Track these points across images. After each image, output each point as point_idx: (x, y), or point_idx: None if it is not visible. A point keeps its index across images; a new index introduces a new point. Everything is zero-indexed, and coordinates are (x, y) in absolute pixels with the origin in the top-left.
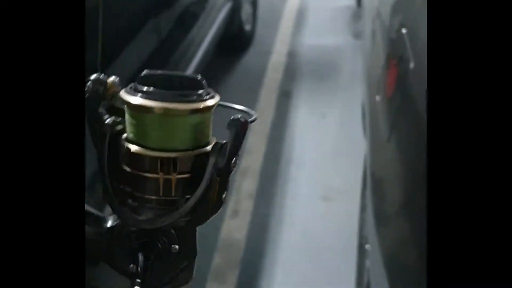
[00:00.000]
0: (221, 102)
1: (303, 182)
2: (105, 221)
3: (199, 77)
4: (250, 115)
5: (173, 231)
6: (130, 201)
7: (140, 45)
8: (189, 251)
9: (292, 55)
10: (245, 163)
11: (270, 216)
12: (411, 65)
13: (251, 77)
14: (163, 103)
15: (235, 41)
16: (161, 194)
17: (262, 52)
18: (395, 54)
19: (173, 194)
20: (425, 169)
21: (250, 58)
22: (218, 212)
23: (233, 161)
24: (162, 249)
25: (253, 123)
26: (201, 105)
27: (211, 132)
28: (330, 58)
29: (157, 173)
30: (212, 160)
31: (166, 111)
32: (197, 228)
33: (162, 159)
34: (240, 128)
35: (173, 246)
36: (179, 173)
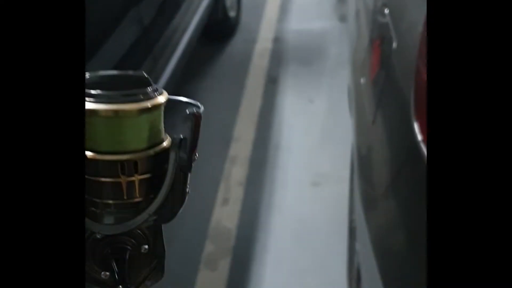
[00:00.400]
0: (168, 96)
1: (292, 168)
2: None
3: (144, 74)
4: (198, 107)
5: (140, 232)
6: (91, 208)
7: (123, 35)
8: (158, 249)
9: (278, 41)
10: (234, 151)
11: (260, 203)
12: (394, 45)
13: (237, 64)
14: (109, 106)
15: (220, 28)
16: (125, 197)
17: (247, 38)
18: (378, 35)
19: (137, 196)
20: (410, 151)
21: (235, 45)
22: (184, 205)
23: (194, 155)
24: (132, 251)
25: (241, 110)
26: (149, 103)
27: (163, 128)
28: (317, 42)
29: (118, 177)
30: (173, 156)
31: (114, 113)
32: (188, 217)
33: (122, 162)
34: (195, 121)
35: (142, 246)
36: (141, 174)
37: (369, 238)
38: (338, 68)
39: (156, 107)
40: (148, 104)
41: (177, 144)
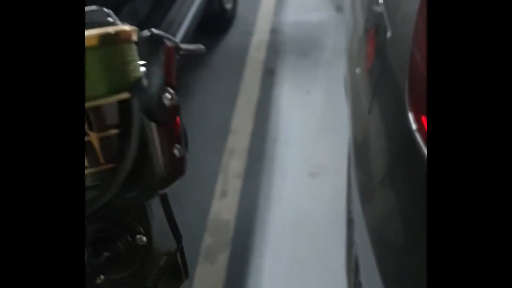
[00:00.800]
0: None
1: (290, 160)
2: None
3: (105, 9)
4: (171, 40)
5: (128, 216)
6: None
7: None
8: (164, 240)
9: (274, 33)
10: (232, 143)
11: (259, 195)
12: (389, 34)
13: (234, 57)
14: None
15: (216, 21)
16: (86, 164)
17: (244, 30)
18: (373, 25)
19: (102, 161)
20: (405, 140)
21: (232, 37)
22: (182, 176)
23: (168, 97)
24: (123, 244)
25: (238, 102)
26: (112, 29)
27: (137, 70)
28: (314, 34)
29: None
30: (135, 101)
31: None
32: (186, 209)
33: None
34: (166, 55)
35: (138, 237)
36: (102, 130)
37: (366, 228)
38: (335, 59)
39: (121, 37)
40: (109, 30)
41: (139, 84)
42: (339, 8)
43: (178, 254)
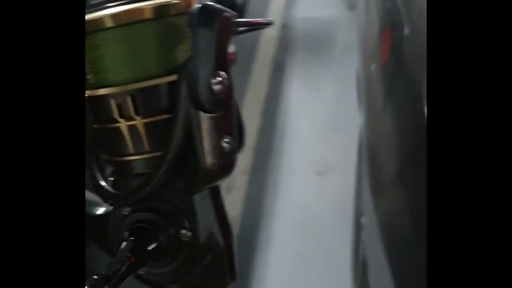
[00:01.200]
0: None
1: (297, 157)
2: (98, 205)
3: None
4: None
5: (172, 207)
6: (116, 170)
7: None
8: (211, 234)
9: (285, 28)
10: None
11: (265, 192)
12: (406, 31)
13: (244, 52)
14: (115, 9)
15: None
16: (130, 150)
17: None
18: (388, 21)
19: (147, 149)
20: (420, 138)
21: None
22: (230, 172)
23: (218, 82)
24: (167, 240)
25: (246, 98)
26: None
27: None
28: (324, 30)
29: (117, 121)
30: (183, 86)
31: (124, 16)
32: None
33: (115, 96)
34: (221, 24)
35: (182, 232)
36: (148, 115)
37: (377, 226)
38: (346, 56)
39: (181, 7)
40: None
41: (187, 68)
42: (350, 6)
43: (225, 253)
